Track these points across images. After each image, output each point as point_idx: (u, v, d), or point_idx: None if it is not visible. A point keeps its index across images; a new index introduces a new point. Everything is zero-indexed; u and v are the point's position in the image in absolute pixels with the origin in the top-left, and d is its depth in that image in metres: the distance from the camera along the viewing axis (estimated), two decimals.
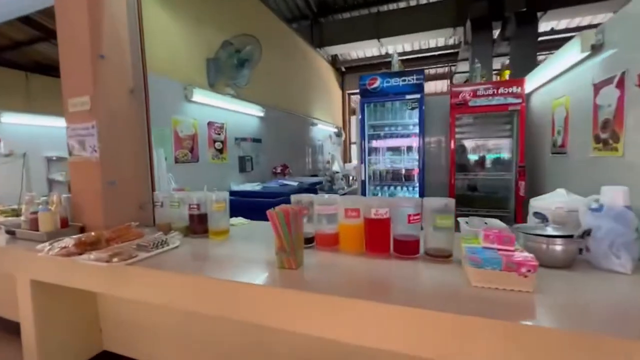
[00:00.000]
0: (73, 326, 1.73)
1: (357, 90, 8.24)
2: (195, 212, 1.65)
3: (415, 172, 2.89)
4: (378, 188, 3.05)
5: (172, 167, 2.44)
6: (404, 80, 2.86)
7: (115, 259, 1.22)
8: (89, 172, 1.74)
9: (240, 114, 3.39)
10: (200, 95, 2.71)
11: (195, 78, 2.75)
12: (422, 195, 2.76)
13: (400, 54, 7.33)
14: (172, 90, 2.55)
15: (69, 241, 1.32)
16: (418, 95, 2.81)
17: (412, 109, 2.83)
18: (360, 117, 2.91)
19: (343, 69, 7.50)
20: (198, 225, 1.66)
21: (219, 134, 2.98)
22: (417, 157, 2.89)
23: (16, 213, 2.38)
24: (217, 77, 2.84)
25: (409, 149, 2.95)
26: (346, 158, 7.53)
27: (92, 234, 1.41)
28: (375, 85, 2.92)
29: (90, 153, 1.74)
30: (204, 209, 1.66)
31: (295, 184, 3.09)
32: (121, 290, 1.27)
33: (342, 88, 7.63)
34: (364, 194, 2.94)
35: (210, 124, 2.92)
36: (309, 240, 1.41)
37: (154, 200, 1.97)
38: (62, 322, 1.67)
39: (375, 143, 3.00)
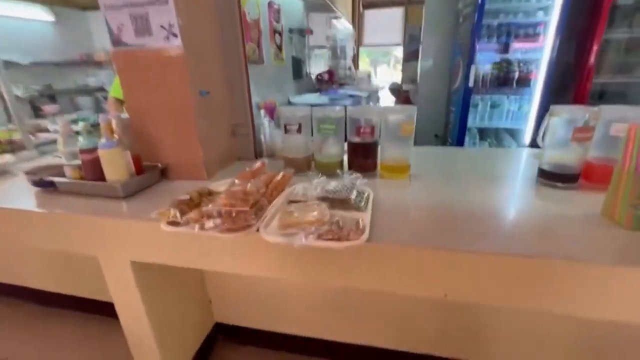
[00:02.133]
0: (184, 303, 1.23)
1: None
2: (367, 139, 1.05)
3: (533, 76, 2.32)
4: (478, 97, 2.48)
5: None
6: None
7: (352, 234, 0.66)
8: (164, 74, 1.00)
9: None
10: None
11: None
12: (544, 108, 2.24)
13: None
14: None
15: (234, 202, 0.71)
16: None
17: None
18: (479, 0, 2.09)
19: None
20: (366, 158, 1.09)
21: (278, 22, 2.07)
22: (539, 56, 2.26)
23: (8, 147, 1.57)
24: None
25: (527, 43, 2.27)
26: (356, 64, 6.56)
27: (250, 185, 0.79)
28: None
29: (164, 39, 0.96)
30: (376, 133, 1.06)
31: (365, 94, 2.42)
32: (357, 278, 0.75)
33: None
34: (467, 104, 2.36)
35: (270, 5, 1.96)
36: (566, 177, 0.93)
37: (254, 121, 1.31)
38: (173, 302, 1.16)
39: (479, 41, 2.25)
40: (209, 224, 0.69)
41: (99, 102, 3.43)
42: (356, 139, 1.06)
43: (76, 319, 1.63)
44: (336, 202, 0.83)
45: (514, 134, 2.63)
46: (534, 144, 2.44)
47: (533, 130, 2.41)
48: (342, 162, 1.13)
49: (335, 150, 1.10)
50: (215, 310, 1.40)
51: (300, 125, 1.07)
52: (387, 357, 1.29)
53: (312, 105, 1.11)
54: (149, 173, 1.06)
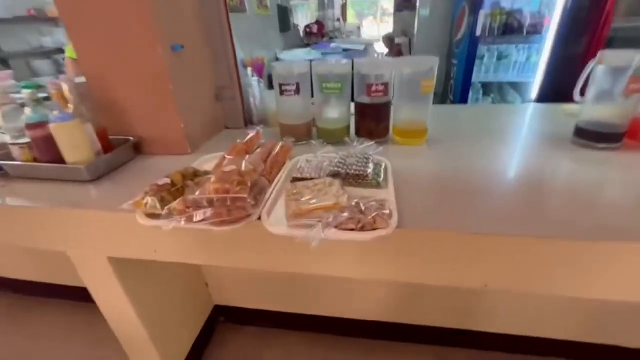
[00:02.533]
0: (178, 291, 1.12)
1: None
2: (379, 99, 0.88)
3: (546, 22, 2.09)
4: (484, 48, 2.25)
5: None
6: None
7: (382, 224, 0.53)
8: (123, 22, 0.79)
9: None
10: None
11: None
12: (555, 57, 2.04)
13: None
14: None
15: (228, 186, 0.56)
16: None
17: None
18: None
19: None
20: (378, 122, 0.93)
21: None
22: None
23: None
24: None
25: None
26: (344, 15, 6.05)
27: (245, 164, 0.63)
28: None
29: None
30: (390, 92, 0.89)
31: (361, 47, 2.17)
32: (384, 270, 0.63)
33: None
34: (472, 56, 2.15)
35: None
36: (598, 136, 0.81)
37: (240, 82, 1.11)
38: (165, 292, 1.05)
39: None
40: (198, 215, 0.55)
41: (61, 67, 3.05)
42: (366, 100, 0.89)
43: (60, 307, 1.52)
44: (350, 178, 0.69)
45: (518, 88, 2.47)
46: (541, 99, 2.31)
47: (542, 82, 2.25)
48: (348, 127, 0.97)
49: (341, 113, 0.94)
50: (213, 293, 1.31)
51: (298, 85, 0.89)
52: (392, 329, 1.24)
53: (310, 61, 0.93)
54: (119, 150, 0.88)
